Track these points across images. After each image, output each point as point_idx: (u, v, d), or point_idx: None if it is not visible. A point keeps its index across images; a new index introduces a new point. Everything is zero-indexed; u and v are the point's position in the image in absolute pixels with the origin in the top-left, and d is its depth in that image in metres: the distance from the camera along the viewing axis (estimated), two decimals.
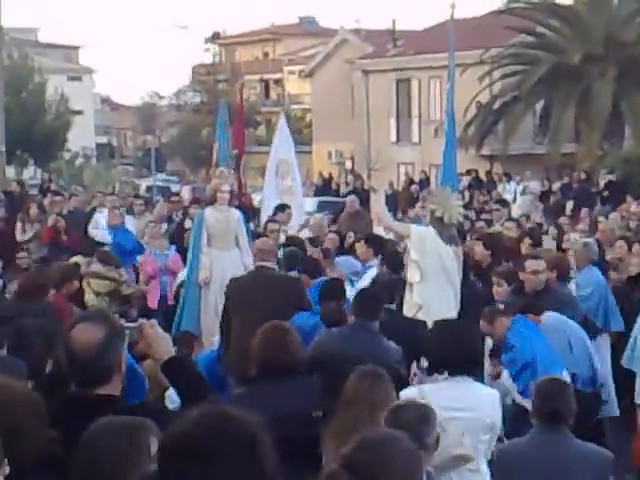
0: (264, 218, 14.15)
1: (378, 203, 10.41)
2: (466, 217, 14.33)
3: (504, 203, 19.35)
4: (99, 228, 15.42)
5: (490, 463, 5.57)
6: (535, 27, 35.51)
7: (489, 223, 15.75)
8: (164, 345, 4.31)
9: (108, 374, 3.99)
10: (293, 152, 15.92)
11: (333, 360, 6.25)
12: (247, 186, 16.04)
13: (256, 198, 25.25)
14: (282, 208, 13.88)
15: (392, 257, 10.21)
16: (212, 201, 11.41)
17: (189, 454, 2.77)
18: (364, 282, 9.94)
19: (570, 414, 5.25)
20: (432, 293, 9.16)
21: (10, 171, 42.75)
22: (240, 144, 14.84)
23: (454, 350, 5.54)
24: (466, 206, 20.23)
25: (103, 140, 73.81)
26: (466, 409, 5.42)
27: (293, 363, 5.55)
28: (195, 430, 2.84)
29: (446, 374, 5.62)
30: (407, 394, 5.52)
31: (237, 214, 11.55)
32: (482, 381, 6.98)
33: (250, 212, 14.24)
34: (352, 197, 17.34)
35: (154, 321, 4.41)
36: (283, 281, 9.13)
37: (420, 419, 4.44)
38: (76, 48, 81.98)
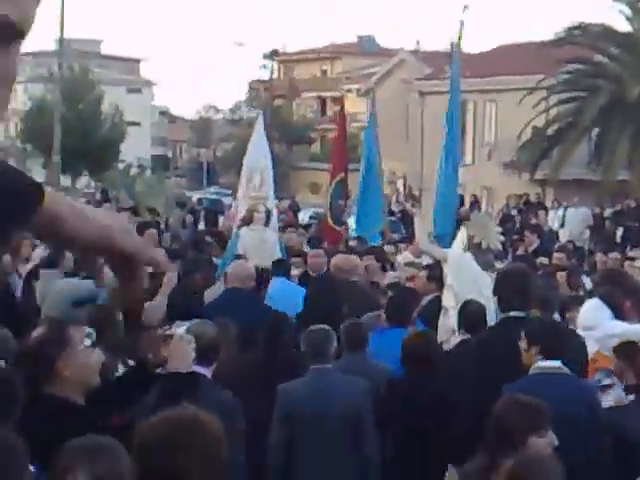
0: None
1: (418, 227, 10.39)
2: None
3: (535, 229, 19.13)
4: None
5: None
6: (594, 55, 35.20)
7: None
8: (179, 361, 4.37)
9: None
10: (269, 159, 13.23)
11: None
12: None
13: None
14: None
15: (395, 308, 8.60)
16: (248, 221, 11.48)
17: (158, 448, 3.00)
18: None
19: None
20: None
21: (66, 180, 43.30)
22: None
23: None
24: (510, 231, 20.11)
25: (159, 152, 74.47)
26: None
27: None
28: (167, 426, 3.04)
29: None
30: None
31: (273, 235, 11.57)
32: None
33: None
34: (314, 252, 13.54)
35: (191, 337, 4.46)
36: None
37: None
38: (137, 61, 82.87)
